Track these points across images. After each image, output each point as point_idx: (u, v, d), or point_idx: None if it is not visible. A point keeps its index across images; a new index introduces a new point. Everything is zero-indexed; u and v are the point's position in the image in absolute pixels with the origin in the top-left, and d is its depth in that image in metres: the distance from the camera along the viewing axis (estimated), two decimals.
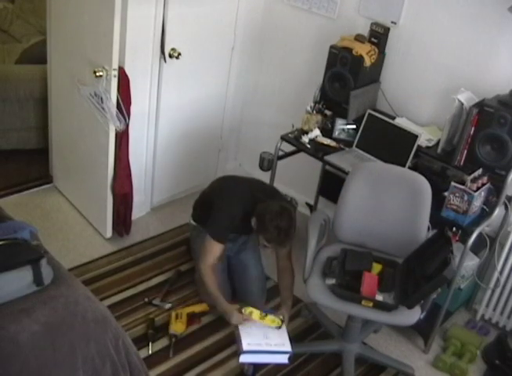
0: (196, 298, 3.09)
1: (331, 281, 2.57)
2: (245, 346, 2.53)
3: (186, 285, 3.17)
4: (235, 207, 2.78)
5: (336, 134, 3.30)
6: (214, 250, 2.77)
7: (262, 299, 3.05)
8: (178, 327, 2.83)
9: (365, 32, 3.27)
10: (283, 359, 2.61)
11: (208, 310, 2.98)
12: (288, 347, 2.59)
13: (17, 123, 3.96)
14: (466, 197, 2.65)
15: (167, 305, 2.99)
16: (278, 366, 2.76)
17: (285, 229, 2.63)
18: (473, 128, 2.78)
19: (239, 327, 2.62)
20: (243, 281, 3.04)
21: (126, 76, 3.05)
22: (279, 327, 2.64)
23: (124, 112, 3.05)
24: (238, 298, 3.02)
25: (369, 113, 3.20)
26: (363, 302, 2.47)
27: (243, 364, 2.68)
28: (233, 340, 2.86)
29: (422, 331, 3.00)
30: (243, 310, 2.64)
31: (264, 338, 2.61)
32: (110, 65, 2.91)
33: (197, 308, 2.98)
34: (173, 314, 2.90)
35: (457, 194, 2.67)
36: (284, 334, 2.64)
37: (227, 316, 2.69)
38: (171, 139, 3.63)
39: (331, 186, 3.47)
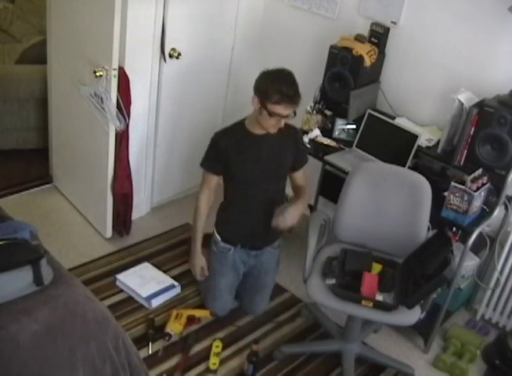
0: (197, 299, 3.09)
1: (331, 281, 2.57)
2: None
3: (187, 285, 3.17)
4: (219, 139, 2.74)
5: (336, 134, 3.30)
6: (205, 179, 2.83)
7: (266, 305, 3.08)
8: (175, 327, 2.83)
9: (366, 32, 3.27)
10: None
11: (209, 317, 2.98)
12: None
13: (17, 123, 3.96)
14: (466, 197, 2.65)
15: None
16: (278, 366, 2.77)
17: (290, 83, 2.56)
18: (473, 128, 2.78)
19: None
20: (252, 295, 3.02)
21: (126, 76, 3.05)
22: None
23: (124, 112, 3.06)
24: (242, 305, 3.07)
25: (369, 113, 3.20)
26: (363, 302, 2.47)
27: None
28: (233, 340, 2.88)
29: (422, 331, 3.00)
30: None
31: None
32: (110, 65, 2.91)
33: (198, 313, 2.97)
34: (173, 313, 2.90)
35: (457, 194, 2.67)
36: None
37: (191, 263, 2.91)
38: (171, 139, 3.63)
39: (331, 186, 3.47)
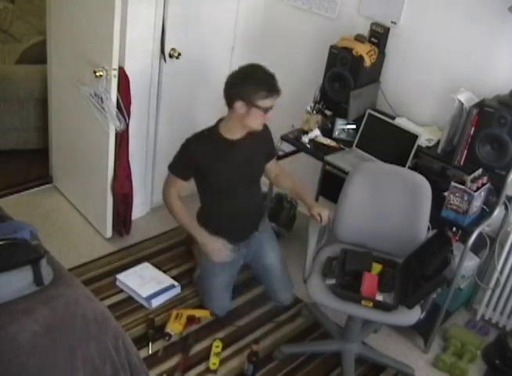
0: (197, 299, 3.10)
1: (331, 281, 2.57)
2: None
3: (188, 285, 3.17)
4: (193, 146, 2.77)
5: (336, 134, 3.30)
6: (172, 182, 2.85)
7: (290, 292, 3.07)
8: (175, 327, 2.83)
9: (366, 32, 3.27)
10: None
11: (209, 317, 2.98)
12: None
13: (17, 123, 3.96)
14: (466, 197, 2.65)
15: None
16: (278, 366, 2.77)
17: (267, 75, 2.63)
18: (473, 128, 2.78)
19: None
20: (269, 282, 3.06)
21: (126, 76, 3.05)
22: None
23: (124, 112, 3.06)
24: (267, 295, 3.10)
25: (369, 113, 3.20)
26: (363, 302, 2.47)
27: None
28: (233, 340, 2.88)
29: (422, 331, 3.00)
30: None
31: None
32: (110, 65, 2.91)
33: (198, 313, 2.97)
34: (173, 313, 2.90)
35: (457, 194, 2.67)
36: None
37: (210, 248, 2.84)
38: (171, 139, 3.62)
39: (331, 186, 3.46)
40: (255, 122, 2.68)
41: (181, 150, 2.80)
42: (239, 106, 2.62)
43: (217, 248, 2.85)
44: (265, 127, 2.83)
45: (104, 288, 3.06)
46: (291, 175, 3.05)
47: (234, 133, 2.75)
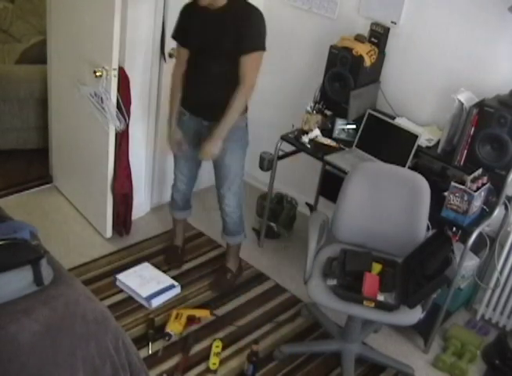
0: (197, 299, 3.10)
1: (332, 282, 2.57)
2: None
3: (188, 285, 3.18)
4: (183, 9, 2.80)
5: (336, 134, 3.30)
6: (176, 53, 2.93)
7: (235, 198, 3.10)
8: (175, 328, 2.83)
9: (366, 32, 3.27)
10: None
11: (209, 317, 2.98)
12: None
13: (17, 123, 3.96)
14: (466, 197, 2.65)
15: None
16: (278, 366, 2.77)
17: None
18: (473, 128, 2.78)
19: None
20: (217, 181, 3.10)
21: (126, 76, 3.05)
22: None
23: (124, 112, 3.06)
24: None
25: (369, 113, 3.20)
26: (365, 303, 2.47)
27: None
28: (233, 340, 2.88)
29: (422, 331, 3.00)
30: None
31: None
32: (110, 65, 2.91)
33: (198, 312, 2.97)
34: (173, 313, 2.90)
35: (457, 194, 2.67)
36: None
37: (168, 138, 3.02)
38: None
39: (331, 186, 3.46)
40: None
41: (178, 16, 2.86)
42: None
43: (173, 138, 3.01)
44: (248, 11, 2.69)
45: (104, 288, 3.06)
46: (239, 97, 2.77)
47: (204, 1, 2.67)
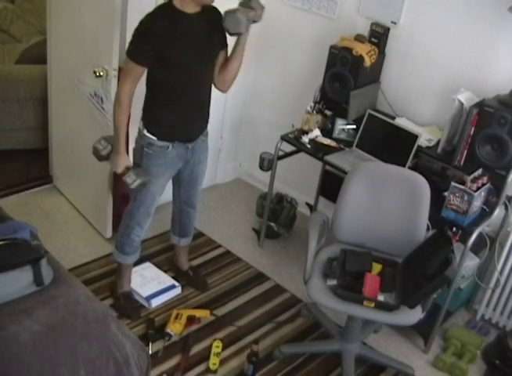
0: (197, 299, 3.10)
1: (332, 282, 2.57)
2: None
3: (187, 285, 3.17)
4: (152, 23, 2.48)
5: (336, 134, 3.30)
6: (130, 71, 2.53)
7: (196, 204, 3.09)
8: (175, 328, 2.83)
9: (366, 32, 3.27)
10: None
11: (209, 317, 2.98)
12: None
13: (17, 123, 3.96)
14: (466, 197, 2.65)
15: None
16: (278, 366, 2.77)
17: None
18: (473, 128, 2.78)
19: None
20: (187, 185, 2.97)
21: None
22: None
23: None
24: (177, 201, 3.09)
25: (369, 113, 3.20)
26: (365, 303, 2.47)
27: None
28: (233, 340, 2.88)
29: (422, 331, 3.00)
30: None
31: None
32: (110, 65, 2.91)
33: (198, 313, 2.97)
34: (173, 313, 2.90)
35: (457, 194, 2.67)
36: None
37: (114, 162, 2.67)
38: None
39: (331, 186, 3.47)
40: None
41: (139, 32, 2.49)
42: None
43: (122, 165, 2.67)
44: (218, 10, 2.61)
45: (104, 288, 3.06)
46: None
47: (188, 7, 2.51)
